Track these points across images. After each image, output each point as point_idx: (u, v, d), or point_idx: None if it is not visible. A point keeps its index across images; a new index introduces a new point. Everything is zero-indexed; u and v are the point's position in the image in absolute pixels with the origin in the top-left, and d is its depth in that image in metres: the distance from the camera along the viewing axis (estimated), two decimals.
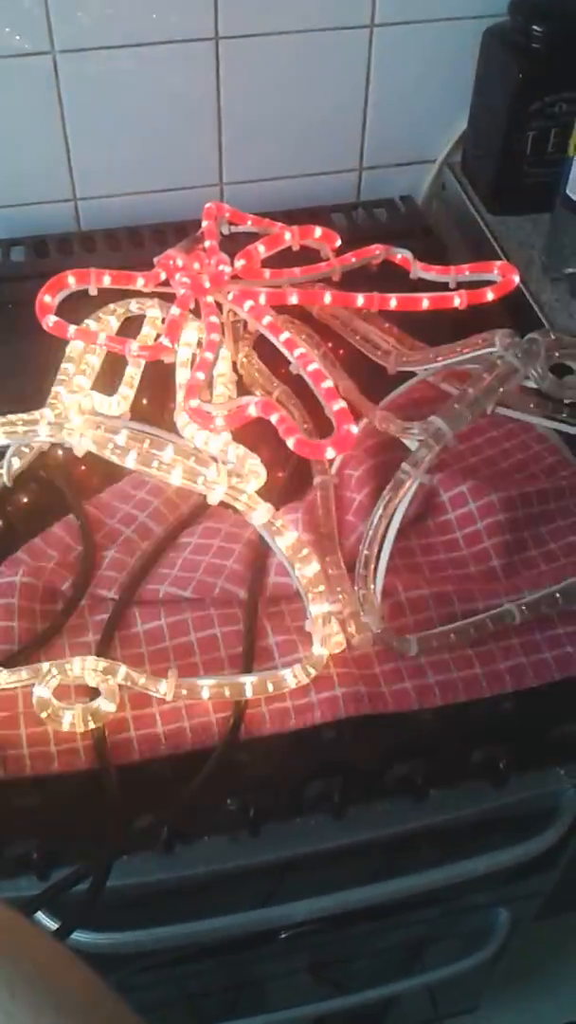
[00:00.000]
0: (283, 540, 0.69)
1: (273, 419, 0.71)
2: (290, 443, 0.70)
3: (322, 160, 1.10)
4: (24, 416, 0.75)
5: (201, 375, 0.77)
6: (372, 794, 0.69)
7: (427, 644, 0.66)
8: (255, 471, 0.73)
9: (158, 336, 0.84)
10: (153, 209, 1.06)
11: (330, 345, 0.88)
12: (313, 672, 0.64)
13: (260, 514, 0.70)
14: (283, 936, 0.81)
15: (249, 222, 0.95)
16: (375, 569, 0.68)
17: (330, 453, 0.71)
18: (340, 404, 0.72)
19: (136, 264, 0.92)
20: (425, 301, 0.85)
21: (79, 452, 0.70)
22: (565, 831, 0.78)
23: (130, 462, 0.69)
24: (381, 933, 0.94)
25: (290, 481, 0.78)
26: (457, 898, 0.89)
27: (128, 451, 0.69)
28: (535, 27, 0.95)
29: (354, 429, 0.71)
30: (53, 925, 0.61)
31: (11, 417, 0.74)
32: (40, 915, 0.62)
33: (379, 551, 0.68)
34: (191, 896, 0.74)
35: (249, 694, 0.64)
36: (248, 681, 0.64)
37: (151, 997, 0.90)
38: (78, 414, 0.71)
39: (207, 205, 0.94)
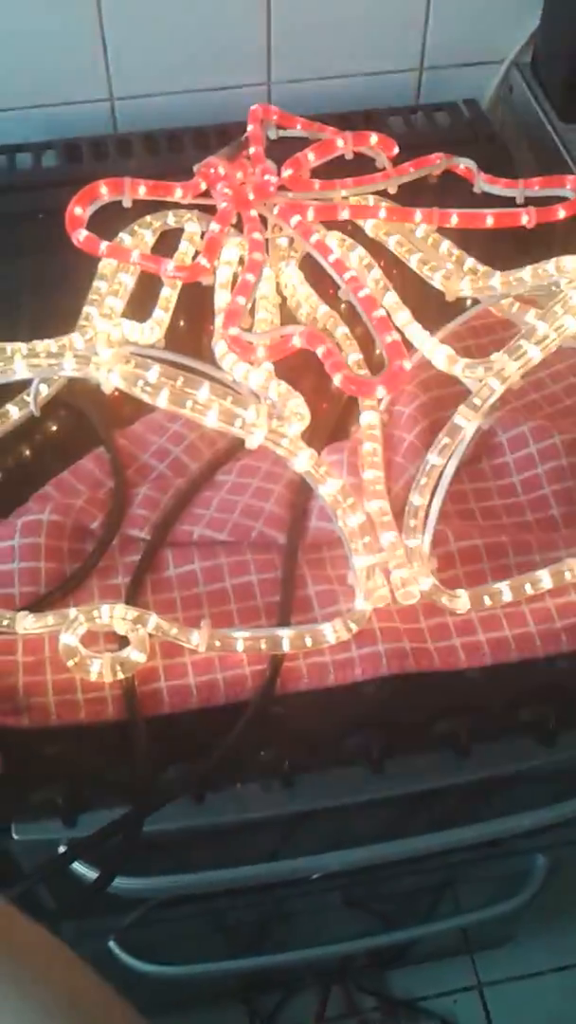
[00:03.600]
0: (326, 488, 0.66)
1: (319, 352, 0.66)
2: (336, 380, 0.66)
3: (379, 58, 1.03)
4: (51, 344, 0.71)
5: (242, 299, 0.72)
6: (412, 749, 0.66)
7: (478, 602, 0.62)
8: (298, 412, 0.69)
9: (196, 254, 0.79)
10: (195, 110, 1.00)
11: (382, 264, 0.81)
12: (355, 628, 0.62)
13: (302, 461, 0.66)
14: (315, 877, 0.79)
15: (299, 126, 0.90)
16: (425, 520, 0.63)
17: (380, 392, 0.66)
18: (392, 336, 0.67)
19: (175, 171, 0.88)
20: (490, 218, 0.80)
21: (106, 389, 0.66)
22: None
23: (162, 401, 0.65)
24: (414, 876, 0.93)
25: (336, 416, 0.73)
26: (495, 846, 0.87)
27: (160, 389, 0.65)
28: None
29: (407, 365, 0.66)
30: (89, 873, 0.61)
31: (36, 346, 0.71)
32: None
33: (430, 501, 0.63)
34: (221, 839, 0.72)
35: (287, 648, 0.62)
36: (285, 635, 0.62)
37: (183, 930, 0.90)
38: (107, 345, 0.66)
39: (252, 107, 0.88)
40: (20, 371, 0.68)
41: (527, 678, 0.63)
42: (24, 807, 0.60)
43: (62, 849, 0.61)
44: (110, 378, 0.66)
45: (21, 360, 0.67)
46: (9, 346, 0.69)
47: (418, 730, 0.64)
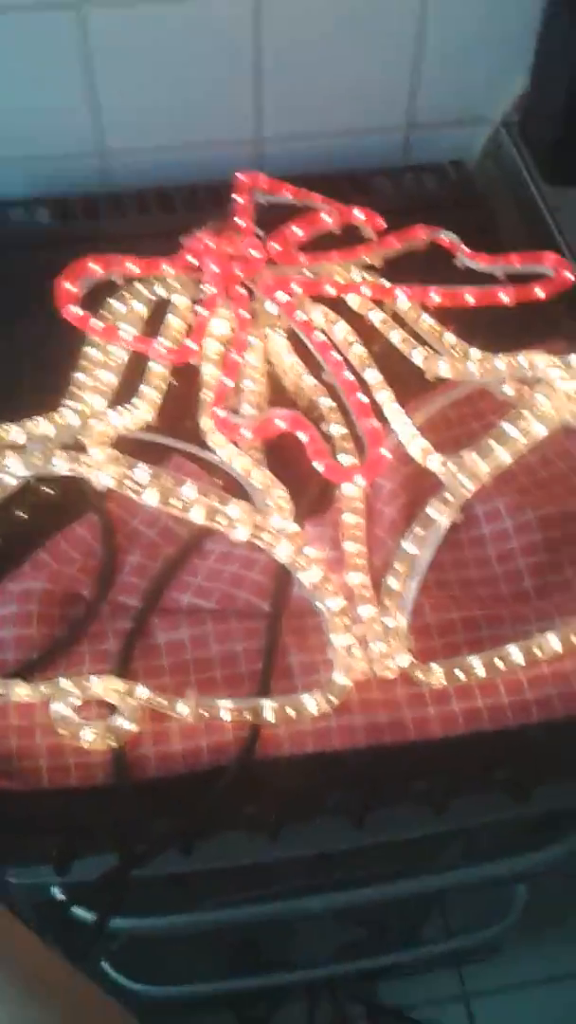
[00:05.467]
0: (308, 575, 0.70)
1: (302, 438, 0.70)
2: (318, 467, 0.69)
3: (367, 117, 1.06)
4: (41, 424, 0.76)
5: (230, 381, 0.75)
6: (391, 804, 0.70)
7: (452, 677, 0.66)
8: (280, 505, 0.73)
9: (190, 330, 0.82)
10: (184, 167, 1.04)
11: (363, 338, 0.85)
12: (335, 701, 0.65)
13: (283, 551, 0.71)
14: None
15: (288, 195, 0.91)
16: (403, 597, 0.68)
17: (359, 481, 0.70)
18: (372, 423, 0.71)
19: (167, 231, 0.91)
20: (470, 296, 0.83)
21: (98, 487, 0.70)
22: None
23: (150, 499, 0.69)
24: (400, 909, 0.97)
25: (323, 482, 0.76)
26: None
27: (147, 488, 0.69)
28: None
29: (386, 454, 0.70)
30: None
31: (27, 426, 0.75)
32: None
33: (410, 578, 0.67)
34: (212, 880, 0.76)
35: (270, 718, 0.65)
36: (268, 705, 0.65)
37: (173, 950, 0.93)
38: (98, 440, 0.71)
39: (240, 176, 0.91)
40: (14, 468, 0.73)
41: (500, 743, 0.67)
42: (19, 855, 0.65)
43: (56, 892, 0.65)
44: (101, 478, 0.70)
45: (14, 457, 0.72)
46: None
47: (396, 789, 0.68)
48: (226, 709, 0.65)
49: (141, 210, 1.02)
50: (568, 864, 0.92)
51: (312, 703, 0.65)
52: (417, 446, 0.76)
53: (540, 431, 0.72)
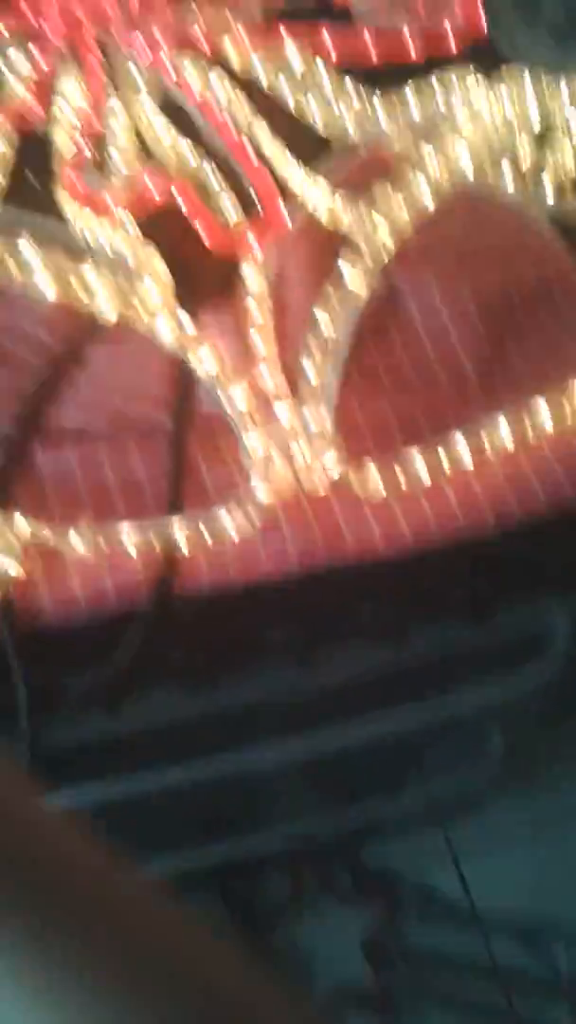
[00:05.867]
0: (205, 360, 0.58)
1: (184, 207, 0.58)
2: (202, 232, 0.58)
3: None
4: None
5: (86, 146, 0.62)
6: (340, 635, 0.61)
7: (392, 482, 0.56)
8: (154, 271, 0.60)
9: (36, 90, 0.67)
10: None
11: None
12: (256, 519, 0.55)
13: (164, 329, 0.58)
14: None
15: None
16: (323, 389, 0.57)
17: (253, 242, 0.59)
18: (266, 178, 0.59)
19: None
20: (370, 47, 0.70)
21: None
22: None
23: None
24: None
25: (216, 272, 0.64)
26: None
27: None
28: None
29: (283, 210, 0.58)
30: None
31: None
32: None
33: (328, 365, 0.57)
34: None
35: (183, 545, 0.54)
36: (179, 529, 0.54)
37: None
38: None
39: None
40: None
41: (454, 557, 0.59)
42: None
43: None
44: None
45: None
46: None
47: (341, 620, 0.60)
48: (129, 537, 0.55)
49: None
50: (540, 701, 0.86)
51: (229, 521, 0.56)
52: (318, 191, 0.64)
53: (463, 158, 0.62)
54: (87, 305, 0.59)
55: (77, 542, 0.54)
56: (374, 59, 0.72)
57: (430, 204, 0.63)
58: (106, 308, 0.58)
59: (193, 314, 0.61)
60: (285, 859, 1.09)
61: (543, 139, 0.66)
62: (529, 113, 0.65)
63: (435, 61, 0.72)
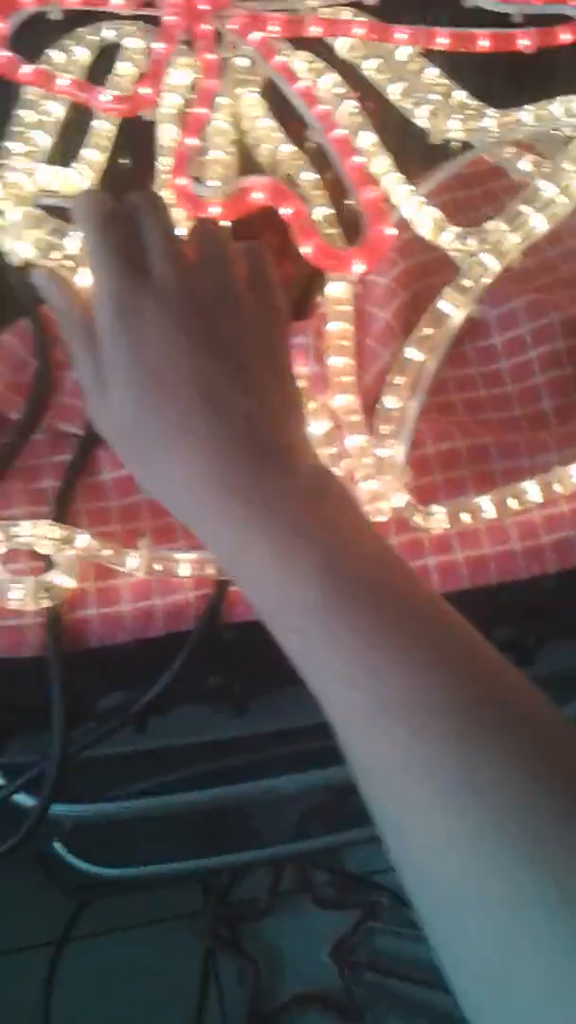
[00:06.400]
0: None
1: (285, 212, 0.56)
2: (306, 250, 0.56)
3: None
4: None
5: (193, 140, 0.60)
6: None
7: (456, 521, 0.54)
8: None
9: (142, 76, 0.66)
10: None
11: (358, 95, 0.69)
12: None
13: None
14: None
15: None
16: (403, 419, 0.55)
17: (358, 267, 0.56)
18: (373, 192, 0.56)
19: None
20: (484, 40, 0.66)
21: (14, 260, 0.55)
22: None
23: (84, 279, 0.54)
24: None
25: (301, 284, 0.63)
26: None
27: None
28: None
29: (391, 232, 0.56)
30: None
31: None
32: None
33: (411, 394, 0.56)
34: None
35: None
36: None
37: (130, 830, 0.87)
38: (16, 203, 0.55)
39: None
40: None
41: (507, 596, 0.57)
42: None
43: None
44: (16, 248, 0.55)
45: None
46: None
47: None
48: (186, 563, 0.54)
49: None
50: None
51: None
52: (427, 216, 0.61)
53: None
54: None
55: (134, 563, 0.54)
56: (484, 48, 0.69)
57: (542, 227, 0.60)
58: None
59: None
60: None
61: None
62: None
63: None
